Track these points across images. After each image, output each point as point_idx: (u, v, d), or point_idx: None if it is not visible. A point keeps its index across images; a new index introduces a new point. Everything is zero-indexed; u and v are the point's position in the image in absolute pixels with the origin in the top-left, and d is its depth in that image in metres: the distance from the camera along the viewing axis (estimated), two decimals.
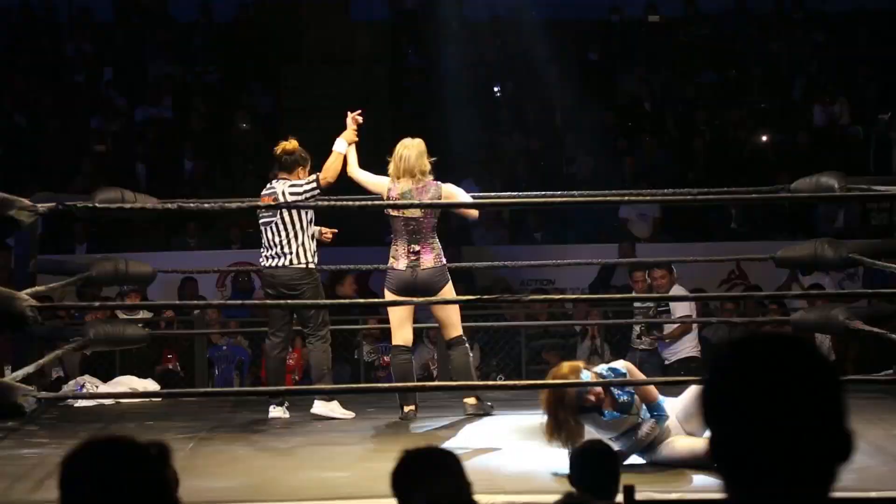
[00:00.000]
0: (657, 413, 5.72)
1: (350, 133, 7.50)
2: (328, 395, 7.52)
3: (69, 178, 13.11)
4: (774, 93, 15.20)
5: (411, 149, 7.33)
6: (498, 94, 15.60)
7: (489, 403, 7.39)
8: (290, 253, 7.50)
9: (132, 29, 15.67)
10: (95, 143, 14.13)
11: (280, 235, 7.50)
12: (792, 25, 15.79)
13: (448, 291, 7.31)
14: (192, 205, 8.51)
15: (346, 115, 7.58)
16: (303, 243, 7.50)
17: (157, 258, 10.58)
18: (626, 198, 8.99)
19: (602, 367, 5.87)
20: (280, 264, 7.51)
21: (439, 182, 7.37)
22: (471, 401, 7.37)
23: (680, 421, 5.76)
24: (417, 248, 7.25)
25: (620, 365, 5.89)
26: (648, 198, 8.89)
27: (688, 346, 9.35)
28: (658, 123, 14.77)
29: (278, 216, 7.48)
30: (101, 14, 15.87)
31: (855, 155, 13.53)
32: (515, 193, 9.23)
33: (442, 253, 7.33)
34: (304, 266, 7.50)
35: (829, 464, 1.61)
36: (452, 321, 7.36)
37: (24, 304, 5.95)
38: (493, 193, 10.26)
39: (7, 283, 7.37)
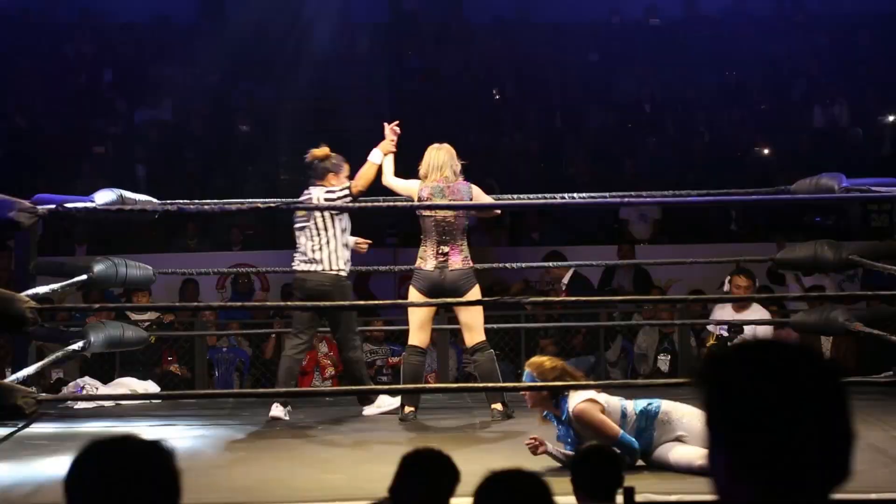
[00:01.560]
0: (627, 449, 5.65)
1: (387, 144, 7.53)
2: (372, 397, 7.56)
3: (69, 179, 13.12)
4: (774, 94, 15.20)
5: (441, 150, 7.42)
6: (497, 97, 15.60)
7: (512, 410, 7.39)
8: (321, 259, 7.52)
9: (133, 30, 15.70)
10: (95, 144, 14.14)
11: (312, 241, 7.54)
12: (792, 27, 15.79)
13: (474, 295, 7.29)
14: (191, 206, 8.51)
15: (383, 127, 7.59)
16: (335, 250, 7.51)
17: (156, 260, 10.58)
18: (626, 199, 8.99)
19: (636, 404, 5.84)
20: (311, 269, 7.55)
21: (470, 183, 7.43)
22: (497, 406, 7.34)
23: (676, 423, 5.74)
24: (447, 249, 7.26)
25: (652, 405, 5.84)
26: (648, 199, 8.89)
27: None
28: (658, 125, 14.78)
29: (312, 221, 7.51)
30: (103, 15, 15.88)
31: (855, 156, 13.53)
32: (515, 195, 9.23)
33: (469, 256, 7.35)
34: (334, 273, 7.52)
35: (831, 475, 1.61)
36: (477, 325, 7.34)
37: (23, 306, 5.96)
38: (492, 195, 10.25)
39: (7, 284, 7.37)
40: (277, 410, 7.51)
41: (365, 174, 7.46)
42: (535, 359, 6.01)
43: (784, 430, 1.59)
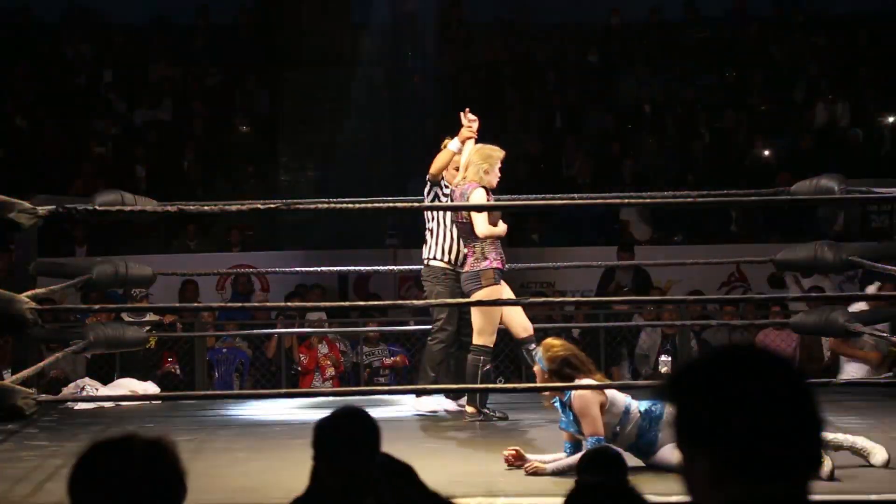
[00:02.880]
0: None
1: (465, 131, 7.47)
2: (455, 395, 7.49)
3: (69, 180, 13.11)
4: (774, 95, 15.20)
5: (472, 151, 7.28)
6: (497, 97, 15.59)
7: (497, 414, 7.33)
8: (423, 252, 7.64)
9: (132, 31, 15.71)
10: (95, 145, 14.13)
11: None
12: (792, 28, 15.80)
13: (480, 297, 7.08)
14: (191, 207, 8.49)
15: (462, 114, 7.53)
16: (430, 240, 7.56)
17: (156, 260, 10.58)
18: (626, 200, 8.99)
19: (641, 404, 5.85)
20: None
21: (481, 187, 7.16)
22: (470, 409, 7.35)
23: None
24: (465, 251, 7.25)
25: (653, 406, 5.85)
26: (648, 200, 8.89)
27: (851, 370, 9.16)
28: (658, 126, 14.77)
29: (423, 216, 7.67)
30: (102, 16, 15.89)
31: (855, 157, 13.53)
32: (515, 196, 9.24)
33: (484, 256, 7.10)
34: (426, 263, 7.60)
35: (803, 472, 1.64)
36: (477, 328, 7.24)
37: (23, 307, 5.95)
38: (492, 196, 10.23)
39: (7, 285, 7.37)
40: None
41: (438, 160, 7.49)
42: (549, 340, 5.96)
43: (758, 428, 1.63)
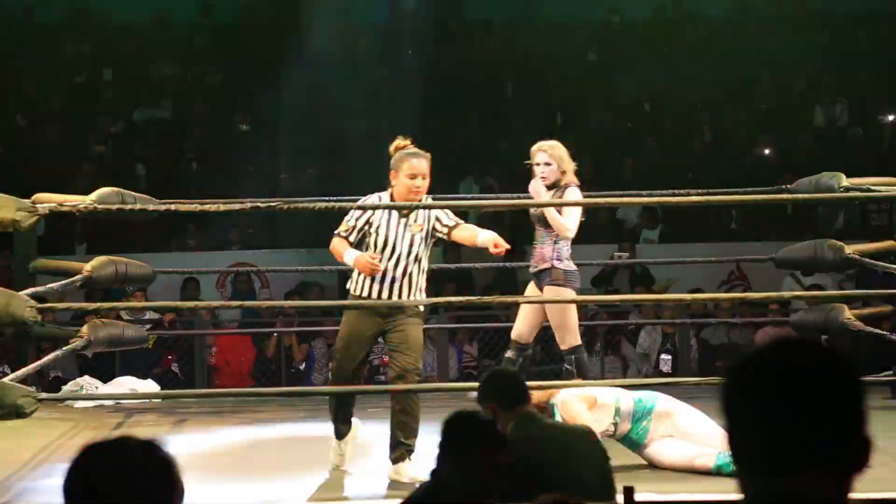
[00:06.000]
0: None
1: (368, 264, 6.27)
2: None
3: (69, 178, 13.11)
4: (775, 94, 15.19)
5: (559, 148, 6.88)
6: (497, 96, 15.60)
7: None
8: None
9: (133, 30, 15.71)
10: (95, 143, 14.13)
11: None
12: (792, 26, 15.79)
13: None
14: (192, 206, 8.50)
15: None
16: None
17: (156, 259, 10.57)
18: (626, 199, 8.99)
19: (633, 395, 5.85)
20: None
21: (570, 186, 6.98)
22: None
23: (674, 419, 5.74)
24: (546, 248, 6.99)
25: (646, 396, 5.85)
26: (648, 199, 8.89)
27: None
28: (658, 124, 14.77)
29: None
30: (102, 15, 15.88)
31: (855, 156, 13.53)
32: (515, 195, 9.23)
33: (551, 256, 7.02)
34: None
35: (846, 469, 1.63)
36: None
37: (23, 305, 5.96)
38: (492, 194, 10.26)
39: (7, 283, 7.38)
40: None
41: (335, 250, 6.46)
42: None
43: (801, 421, 1.61)
